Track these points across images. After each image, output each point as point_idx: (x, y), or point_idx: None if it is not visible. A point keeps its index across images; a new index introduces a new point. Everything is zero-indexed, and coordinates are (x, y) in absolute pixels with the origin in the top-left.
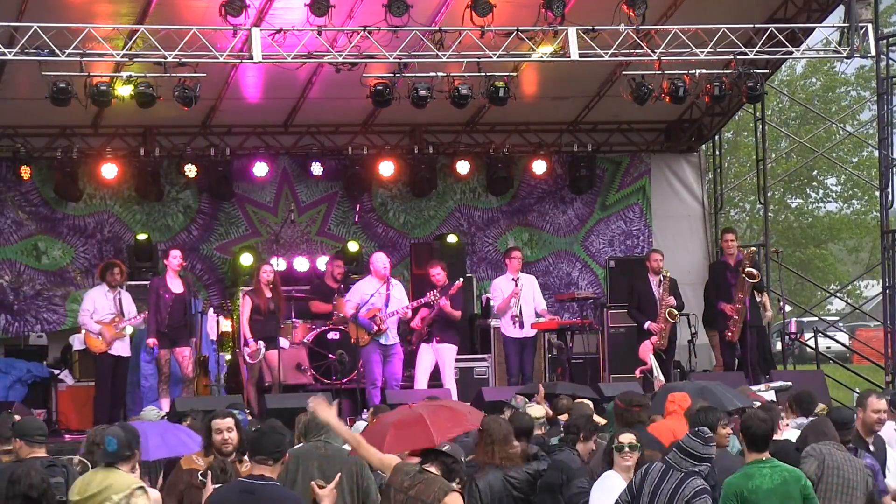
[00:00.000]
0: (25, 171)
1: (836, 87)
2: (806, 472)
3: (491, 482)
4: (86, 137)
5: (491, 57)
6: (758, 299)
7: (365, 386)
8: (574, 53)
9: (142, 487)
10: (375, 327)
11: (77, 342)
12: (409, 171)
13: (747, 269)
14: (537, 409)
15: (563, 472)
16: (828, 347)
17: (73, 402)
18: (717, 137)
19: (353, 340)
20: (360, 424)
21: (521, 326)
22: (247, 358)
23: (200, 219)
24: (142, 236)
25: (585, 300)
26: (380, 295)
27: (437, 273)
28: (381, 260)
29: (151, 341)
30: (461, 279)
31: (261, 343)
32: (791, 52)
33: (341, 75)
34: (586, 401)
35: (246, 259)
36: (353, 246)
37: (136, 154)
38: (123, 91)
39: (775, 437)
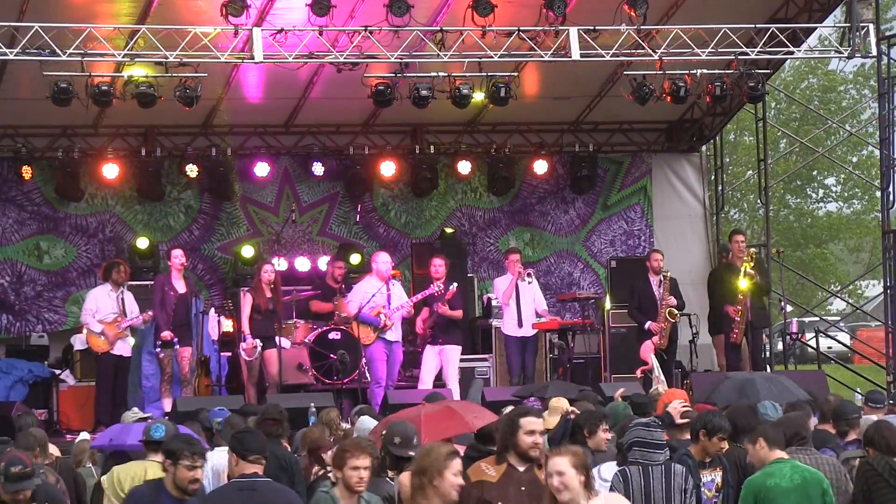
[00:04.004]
0: (27, 171)
1: (836, 87)
2: None
3: None
4: (87, 137)
5: (492, 57)
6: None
7: (367, 386)
8: (575, 53)
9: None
10: (382, 321)
11: (78, 342)
12: (410, 170)
13: (746, 272)
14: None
15: None
16: (829, 347)
17: (74, 402)
18: (718, 137)
19: (358, 337)
20: (367, 421)
21: (521, 325)
22: (243, 354)
23: (202, 219)
24: (143, 242)
25: (587, 300)
26: (381, 294)
27: (439, 265)
28: (384, 260)
29: (168, 334)
30: (455, 284)
31: (258, 341)
32: (792, 52)
33: (342, 75)
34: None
35: (247, 251)
36: (355, 258)
37: (138, 154)
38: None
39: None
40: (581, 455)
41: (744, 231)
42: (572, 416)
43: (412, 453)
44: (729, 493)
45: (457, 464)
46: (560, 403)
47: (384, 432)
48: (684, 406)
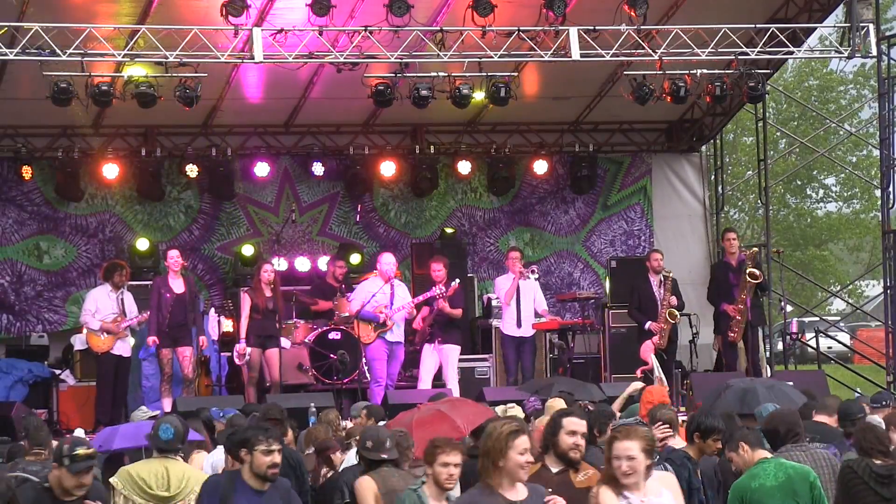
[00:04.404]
0: (27, 171)
1: (833, 86)
2: None
3: None
4: (87, 137)
5: (492, 57)
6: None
7: (367, 386)
8: (575, 53)
9: None
10: (381, 317)
11: (78, 342)
12: (410, 170)
13: (749, 270)
14: (518, 410)
15: None
16: (829, 347)
17: (74, 402)
18: (718, 137)
19: (358, 336)
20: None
21: (521, 325)
22: (234, 356)
23: (202, 219)
24: (143, 243)
25: (587, 300)
26: (384, 294)
27: (439, 269)
28: (388, 262)
29: (151, 339)
30: (458, 280)
31: (248, 348)
32: (792, 52)
33: (342, 75)
34: (560, 400)
35: (247, 250)
36: (355, 258)
37: (138, 154)
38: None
39: None
40: (650, 438)
41: (735, 229)
42: (591, 407)
43: (385, 456)
44: (710, 496)
45: (522, 442)
46: (557, 404)
47: (357, 437)
48: (663, 433)
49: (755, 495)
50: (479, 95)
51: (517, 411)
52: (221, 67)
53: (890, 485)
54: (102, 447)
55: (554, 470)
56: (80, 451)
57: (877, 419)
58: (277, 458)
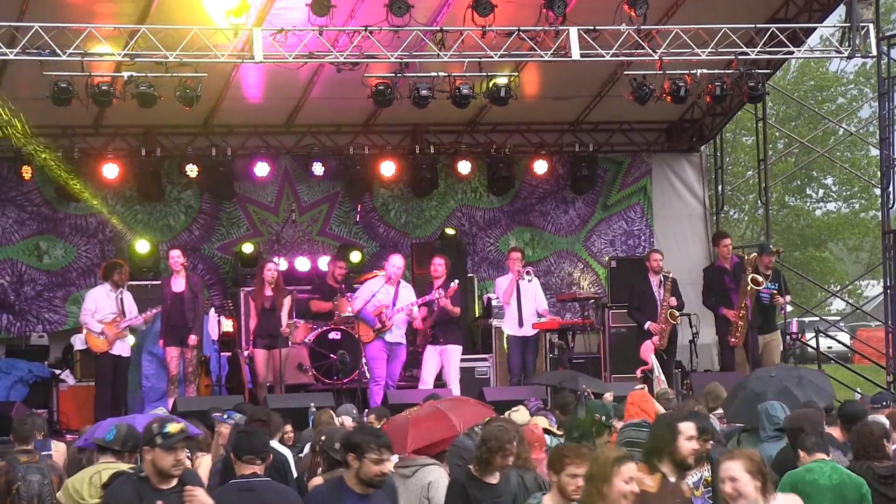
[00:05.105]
0: (27, 171)
1: (829, 86)
2: None
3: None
4: (87, 137)
5: (492, 57)
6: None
7: (367, 386)
8: (575, 53)
9: None
10: (379, 324)
11: (78, 342)
12: (410, 170)
13: (752, 276)
14: (522, 414)
15: None
16: (829, 347)
17: (74, 402)
18: (718, 137)
19: (357, 335)
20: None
21: (522, 325)
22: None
23: (202, 219)
24: (143, 245)
25: (587, 300)
26: (387, 294)
27: (439, 264)
28: (394, 264)
29: (161, 342)
30: (457, 281)
31: (246, 351)
32: (792, 52)
33: (342, 75)
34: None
35: (247, 248)
36: (355, 256)
37: (138, 154)
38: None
39: None
40: (756, 459)
41: (729, 233)
42: (588, 393)
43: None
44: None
45: (627, 469)
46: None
47: (323, 438)
48: None
49: (807, 488)
50: (502, 80)
51: (521, 415)
52: (221, 67)
53: (893, 485)
54: (88, 440)
55: (672, 480)
56: (172, 427)
57: (881, 419)
58: (387, 467)
